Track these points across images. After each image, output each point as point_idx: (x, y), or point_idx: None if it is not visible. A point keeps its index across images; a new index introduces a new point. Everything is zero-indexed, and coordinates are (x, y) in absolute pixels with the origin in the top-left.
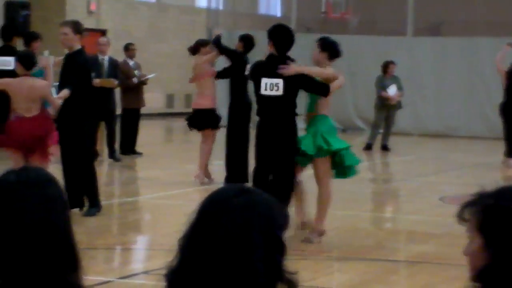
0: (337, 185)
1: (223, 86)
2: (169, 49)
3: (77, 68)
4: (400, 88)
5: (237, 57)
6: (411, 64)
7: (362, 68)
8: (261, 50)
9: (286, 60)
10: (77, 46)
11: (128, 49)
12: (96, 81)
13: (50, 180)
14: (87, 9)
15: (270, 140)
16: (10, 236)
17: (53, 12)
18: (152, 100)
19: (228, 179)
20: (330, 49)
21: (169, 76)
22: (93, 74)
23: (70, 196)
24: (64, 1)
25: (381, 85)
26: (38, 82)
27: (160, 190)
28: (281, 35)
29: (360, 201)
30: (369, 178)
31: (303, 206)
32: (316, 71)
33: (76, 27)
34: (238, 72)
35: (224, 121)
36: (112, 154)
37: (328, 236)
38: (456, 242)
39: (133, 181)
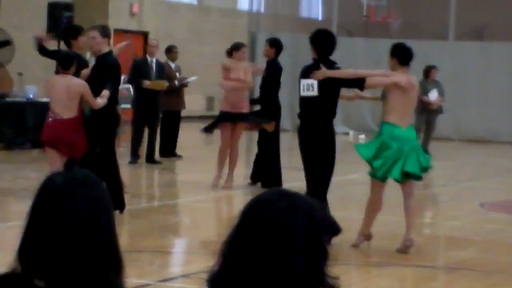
0: None
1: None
2: (211, 51)
3: (110, 69)
4: (441, 93)
5: (274, 67)
6: (453, 68)
7: None
8: (292, 53)
9: (330, 64)
10: (105, 49)
11: (171, 51)
12: (147, 83)
13: (95, 181)
14: (129, 11)
15: (308, 141)
16: (57, 236)
17: (96, 13)
18: (193, 102)
19: (263, 183)
20: (399, 55)
21: (210, 79)
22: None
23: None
24: (107, 2)
25: (423, 90)
26: (76, 80)
27: (200, 193)
28: (322, 40)
29: (400, 206)
30: None
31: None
32: (343, 73)
33: (104, 30)
34: (273, 78)
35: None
36: (151, 157)
37: (367, 241)
38: (496, 248)
39: (173, 184)
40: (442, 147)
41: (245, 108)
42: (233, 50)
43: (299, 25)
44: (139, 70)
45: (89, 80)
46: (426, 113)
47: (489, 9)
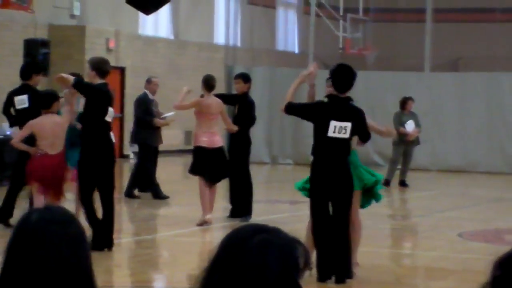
0: None
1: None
2: (188, 85)
3: (92, 90)
4: (418, 124)
5: (246, 100)
6: (430, 99)
7: (381, 103)
8: (268, 86)
9: (346, 100)
10: (97, 81)
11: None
12: (160, 122)
13: (72, 218)
14: (106, 47)
15: (330, 179)
16: (34, 275)
17: (73, 49)
18: (171, 136)
19: (233, 213)
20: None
21: (187, 113)
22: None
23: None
24: (83, 39)
25: (399, 121)
26: (59, 118)
27: (178, 227)
28: (341, 75)
29: (379, 237)
30: (387, 214)
31: None
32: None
33: (92, 64)
34: (248, 113)
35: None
36: (130, 191)
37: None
38: (476, 278)
39: (151, 218)
40: (419, 178)
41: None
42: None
43: (275, 58)
44: (147, 108)
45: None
46: (403, 145)
47: (464, 41)
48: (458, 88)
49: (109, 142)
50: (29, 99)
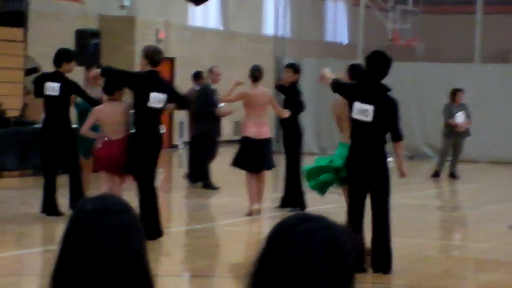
0: (404, 212)
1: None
2: (237, 76)
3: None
4: (468, 115)
5: (294, 89)
6: (479, 91)
7: (430, 94)
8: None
9: (382, 89)
10: (147, 68)
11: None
12: (225, 112)
13: (125, 207)
14: (155, 37)
15: (362, 164)
16: (88, 264)
17: (123, 40)
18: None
19: (283, 202)
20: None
21: (236, 103)
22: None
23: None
24: (133, 29)
25: (449, 113)
26: (121, 105)
27: (229, 217)
28: (376, 63)
29: (428, 229)
30: (437, 206)
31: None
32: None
33: (144, 52)
34: (295, 100)
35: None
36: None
37: (396, 263)
38: None
39: (201, 208)
40: (469, 170)
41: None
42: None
43: (324, 49)
44: (208, 98)
45: None
46: (453, 136)
47: None
48: (507, 79)
49: (150, 130)
50: (60, 88)
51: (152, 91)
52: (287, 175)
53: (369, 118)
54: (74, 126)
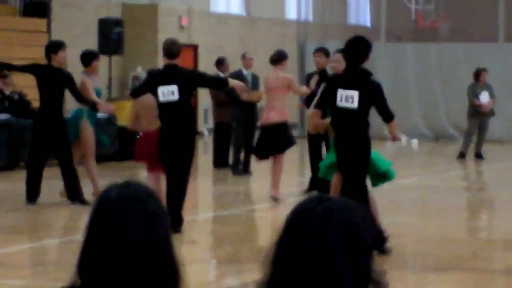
0: (431, 194)
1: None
2: (260, 62)
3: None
4: (492, 95)
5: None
6: (504, 70)
7: (455, 75)
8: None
9: (363, 74)
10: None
11: (222, 63)
12: (245, 96)
13: (150, 194)
14: (178, 24)
15: (344, 152)
16: (113, 251)
17: (146, 28)
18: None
19: (312, 185)
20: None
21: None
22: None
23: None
24: (156, 17)
25: (474, 93)
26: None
27: (254, 203)
28: (353, 48)
29: (455, 210)
30: (463, 187)
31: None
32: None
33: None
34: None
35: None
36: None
37: (423, 246)
38: None
39: (228, 195)
40: (495, 150)
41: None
42: (283, 58)
43: (347, 32)
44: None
45: None
46: (478, 116)
47: None
48: None
49: (168, 125)
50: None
51: (158, 85)
52: (312, 159)
53: (354, 104)
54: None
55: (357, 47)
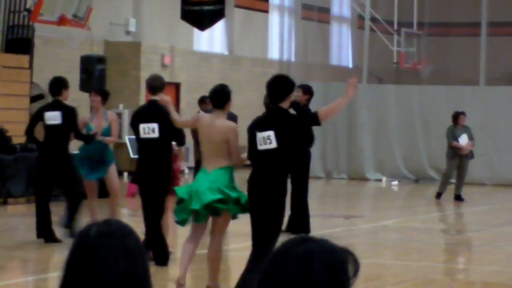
0: (410, 235)
1: None
2: (243, 101)
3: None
4: (471, 137)
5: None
6: (485, 113)
7: (436, 117)
8: (323, 101)
9: (283, 112)
10: None
11: (204, 102)
12: None
13: (130, 232)
14: (161, 63)
15: (259, 197)
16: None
17: (129, 66)
18: None
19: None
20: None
21: (242, 128)
22: None
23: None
24: (139, 55)
25: (452, 135)
26: None
27: (231, 242)
28: (273, 87)
29: (434, 252)
30: (442, 229)
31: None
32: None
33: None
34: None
35: None
36: None
37: (402, 287)
38: None
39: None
40: (475, 192)
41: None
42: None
43: (329, 73)
44: None
45: None
46: (457, 158)
47: None
48: None
49: (142, 161)
50: (62, 116)
51: (140, 122)
52: (293, 200)
53: (272, 145)
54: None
55: (278, 86)
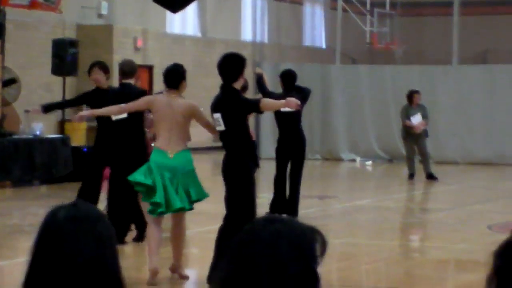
0: (385, 215)
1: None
2: (216, 83)
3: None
4: (425, 116)
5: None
6: (458, 92)
7: None
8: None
9: (234, 93)
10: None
11: None
12: None
13: (99, 216)
14: (133, 46)
15: (227, 177)
16: (61, 272)
17: (101, 49)
18: (199, 134)
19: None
20: None
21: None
22: None
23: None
24: (111, 38)
25: (406, 115)
26: None
27: (208, 224)
28: (225, 66)
29: (407, 231)
30: (415, 208)
31: None
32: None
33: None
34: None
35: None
36: None
37: (376, 266)
38: None
39: None
40: (448, 171)
41: None
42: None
43: (303, 54)
44: None
45: None
46: (412, 138)
47: (491, 34)
48: (486, 81)
49: (109, 142)
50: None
51: (107, 105)
52: (291, 182)
53: (221, 127)
54: None
55: (229, 66)
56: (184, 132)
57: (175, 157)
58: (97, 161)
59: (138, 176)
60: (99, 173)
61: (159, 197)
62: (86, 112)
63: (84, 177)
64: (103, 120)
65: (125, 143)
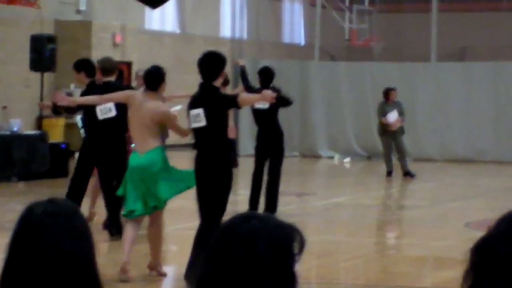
0: (362, 212)
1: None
2: (195, 79)
3: None
4: (401, 113)
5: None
6: (437, 89)
7: None
8: (275, 79)
9: (213, 90)
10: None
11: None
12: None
13: (75, 211)
14: (112, 42)
15: (205, 174)
16: (38, 268)
17: (80, 45)
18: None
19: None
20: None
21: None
22: None
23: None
24: (89, 34)
25: (382, 112)
26: None
27: (186, 221)
28: (206, 64)
29: (386, 228)
30: (393, 205)
31: None
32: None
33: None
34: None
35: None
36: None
37: (354, 263)
38: None
39: None
40: (427, 168)
41: None
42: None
43: (282, 50)
44: None
45: None
46: (388, 135)
47: (470, 31)
48: (464, 78)
49: (96, 141)
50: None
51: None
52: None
53: (202, 123)
54: None
55: (210, 64)
56: (154, 131)
57: (145, 156)
58: (84, 160)
59: (119, 190)
60: (87, 173)
61: (132, 205)
62: (68, 98)
63: (72, 176)
64: (91, 120)
65: (111, 142)
